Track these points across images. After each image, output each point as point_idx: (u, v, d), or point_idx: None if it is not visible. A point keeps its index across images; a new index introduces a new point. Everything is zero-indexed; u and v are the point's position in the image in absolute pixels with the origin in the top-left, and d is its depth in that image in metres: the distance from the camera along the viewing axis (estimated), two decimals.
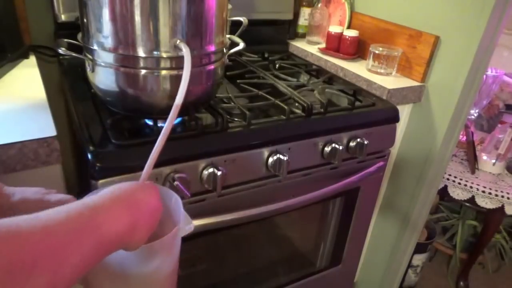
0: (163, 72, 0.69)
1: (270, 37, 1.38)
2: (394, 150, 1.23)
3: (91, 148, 0.67)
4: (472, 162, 1.50)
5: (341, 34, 1.26)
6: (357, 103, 0.99)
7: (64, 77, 0.98)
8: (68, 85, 0.92)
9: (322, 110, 0.92)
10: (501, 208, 1.42)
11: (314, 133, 0.88)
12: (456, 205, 1.83)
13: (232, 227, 0.85)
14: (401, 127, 1.20)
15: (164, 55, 0.67)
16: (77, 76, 0.94)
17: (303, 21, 1.42)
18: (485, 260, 1.85)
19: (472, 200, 1.44)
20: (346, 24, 1.33)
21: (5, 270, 0.28)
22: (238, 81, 1.04)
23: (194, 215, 0.76)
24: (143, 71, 0.69)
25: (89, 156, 0.66)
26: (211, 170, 0.74)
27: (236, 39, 0.86)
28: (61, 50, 0.71)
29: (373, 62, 1.15)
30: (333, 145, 0.89)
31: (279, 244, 1.09)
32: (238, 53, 0.99)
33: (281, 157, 0.82)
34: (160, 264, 0.47)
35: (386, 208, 1.33)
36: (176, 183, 0.70)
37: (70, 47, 0.74)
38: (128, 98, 0.72)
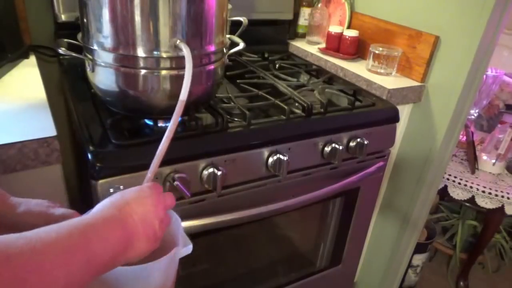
0: (163, 72, 0.69)
1: (270, 37, 1.38)
2: (394, 150, 1.23)
3: (91, 148, 0.67)
4: (472, 162, 1.50)
5: (341, 34, 1.26)
6: (357, 103, 0.99)
7: (64, 77, 0.98)
8: (68, 85, 0.92)
9: (322, 110, 0.92)
10: (501, 208, 1.42)
11: (314, 133, 0.88)
12: (456, 205, 1.83)
13: (232, 227, 0.85)
14: (401, 127, 1.20)
15: (164, 55, 0.67)
16: (77, 76, 0.94)
17: (303, 21, 1.42)
18: (485, 260, 1.85)
19: (472, 200, 1.44)
20: (346, 24, 1.33)
21: None
22: (238, 81, 1.04)
23: (194, 215, 0.77)
24: (143, 71, 0.69)
25: (89, 156, 0.66)
26: (211, 170, 0.74)
27: (236, 39, 0.86)
28: (61, 50, 0.71)
29: (373, 62, 1.15)
30: (333, 145, 0.89)
31: (279, 244, 1.09)
32: (238, 53, 0.99)
33: (281, 157, 0.82)
34: (156, 284, 0.47)
35: (386, 208, 1.33)
36: (176, 183, 0.70)
37: (70, 47, 0.74)
38: (128, 98, 0.72)
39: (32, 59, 0.97)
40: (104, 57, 0.69)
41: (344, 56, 1.26)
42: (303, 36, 1.43)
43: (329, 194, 0.93)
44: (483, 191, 1.42)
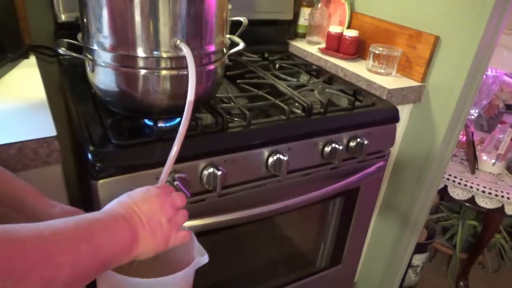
0: (163, 72, 0.69)
1: (270, 37, 1.38)
2: (394, 150, 1.23)
3: (91, 148, 0.67)
4: (472, 162, 1.50)
5: (341, 34, 1.26)
6: (357, 103, 0.99)
7: (64, 77, 0.98)
8: (68, 85, 0.92)
9: (322, 110, 0.92)
10: (501, 208, 1.42)
11: (314, 133, 0.88)
12: (456, 205, 1.83)
13: (232, 227, 0.85)
14: (401, 127, 1.20)
15: (164, 55, 0.67)
16: (77, 76, 0.94)
17: (303, 21, 1.42)
18: (485, 260, 1.85)
19: (472, 200, 1.45)
20: (346, 24, 1.33)
21: (2, 270, 0.30)
22: (238, 81, 1.04)
23: (194, 215, 0.77)
24: (143, 71, 0.68)
25: (89, 156, 0.66)
26: (211, 170, 0.74)
27: (236, 39, 0.86)
28: (61, 50, 0.71)
29: (373, 62, 1.15)
30: (333, 145, 0.89)
31: (279, 244, 1.09)
32: (238, 53, 0.99)
33: (281, 157, 0.82)
34: None
35: (386, 208, 1.33)
36: (176, 183, 0.70)
37: (70, 47, 0.74)
38: (128, 98, 0.72)
39: (32, 59, 0.97)
40: (104, 57, 0.69)
41: (344, 56, 1.26)
42: (303, 36, 1.43)
43: (329, 194, 0.93)
44: (483, 191, 1.42)
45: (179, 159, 0.72)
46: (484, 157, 1.51)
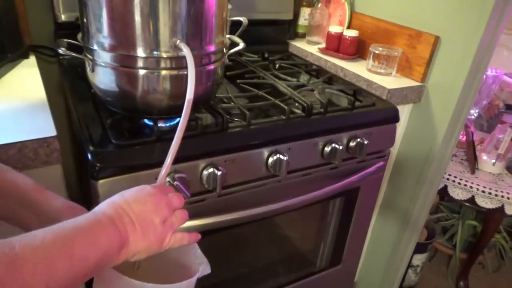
0: (163, 72, 0.69)
1: (270, 37, 1.38)
2: (394, 150, 1.23)
3: (91, 148, 0.67)
4: (472, 162, 1.50)
5: (341, 34, 1.26)
6: (357, 103, 0.99)
7: (64, 77, 0.98)
8: (68, 85, 0.92)
9: (322, 110, 0.92)
10: (501, 208, 1.42)
11: (314, 133, 0.88)
12: (456, 205, 1.83)
13: (232, 227, 0.85)
14: (401, 127, 1.20)
15: (164, 55, 0.67)
16: (77, 76, 0.94)
17: (303, 21, 1.42)
18: (485, 260, 1.85)
19: (472, 200, 1.45)
20: (346, 24, 1.33)
21: None
22: (238, 81, 1.04)
23: (194, 215, 0.76)
24: (143, 71, 0.68)
25: (89, 156, 0.66)
26: (211, 170, 0.74)
27: (236, 39, 0.86)
28: (61, 50, 0.71)
29: (373, 62, 1.15)
30: (333, 145, 0.89)
31: (279, 244, 1.09)
32: (238, 53, 0.99)
33: (281, 157, 0.82)
34: None
35: (386, 208, 1.33)
36: (176, 183, 0.69)
37: (70, 47, 0.74)
38: (128, 98, 0.72)
39: (32, 59, 0.97)
40: (104, 57, 0.69)
41: (344, 56, 1.26)
42: (303, 36, 1.43)
43: (329, 194, 0.93)
44: (483, 191, 1.42)
45: (179, 159, 0.72)
46: (484, 157, 1.51)
